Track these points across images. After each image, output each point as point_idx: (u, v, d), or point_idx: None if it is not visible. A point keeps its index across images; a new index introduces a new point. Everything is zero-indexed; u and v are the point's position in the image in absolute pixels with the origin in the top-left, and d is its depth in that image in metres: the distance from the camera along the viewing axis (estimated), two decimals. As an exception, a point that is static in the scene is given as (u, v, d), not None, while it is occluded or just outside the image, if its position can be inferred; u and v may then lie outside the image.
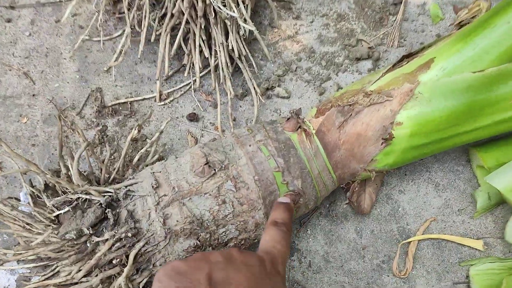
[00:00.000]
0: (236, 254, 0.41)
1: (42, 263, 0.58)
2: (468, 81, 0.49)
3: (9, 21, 0.73)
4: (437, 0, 0.68)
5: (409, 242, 0.59)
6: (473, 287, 0.56)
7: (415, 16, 0.68)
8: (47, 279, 0.57)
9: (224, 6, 0.58)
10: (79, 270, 0.50)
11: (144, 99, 0.67)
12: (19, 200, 0.56)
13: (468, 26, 0.53)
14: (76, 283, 0.52)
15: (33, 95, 0.69)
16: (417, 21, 0.68)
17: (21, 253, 0.56)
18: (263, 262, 0.41)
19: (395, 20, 0.68)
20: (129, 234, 0.48)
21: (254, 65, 0.65)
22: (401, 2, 0.68)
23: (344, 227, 0.60)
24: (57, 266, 0.56)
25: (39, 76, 0.70)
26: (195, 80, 0.64)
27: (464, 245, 0.59)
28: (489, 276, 0.55)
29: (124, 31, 0.70)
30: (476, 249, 0.58)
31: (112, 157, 0.63)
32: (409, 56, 0.56)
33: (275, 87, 0.66)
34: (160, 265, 0.50)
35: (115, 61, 0.67)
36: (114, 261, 0.49)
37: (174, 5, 0.59)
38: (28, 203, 0.52)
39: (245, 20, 0.59)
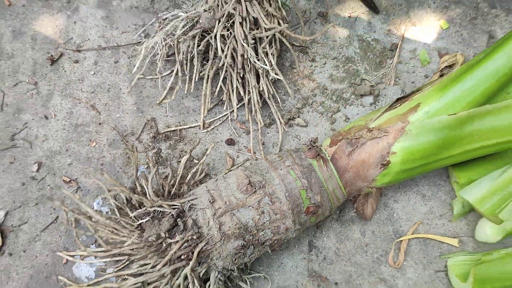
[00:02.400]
0: None
1: (115, 259, 0.75)
2: (444, 122, 0.66)
3: (76, 62, 0.90)
4: (425, 47, 0.85)
5: (402, 240, 0.76)
6: (450, 274, 0.73)
7: (408, 59, 0.85)
8: (119, 270, 0.74)
9: (258, 60, 0.75)
10: (157, 264, 0.67)
11: (190, 127, 0.84)
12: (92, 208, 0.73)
13: (445, 78, 0.70)
14: (147, 273, 0.70)
15: (99, 123, 0.86)
16: (409, 63, 0.85)
17: (105, 251, 0.73)
18: None
19: (391, 63, 0.84)
20: (194, 237, 0.65)
21: (279, 100, 0.82)
22: (397, 48, 0.85)
23: (351, 229, 0.78)
24: (130, 261, 0.74)
25: (103, 108, 0.87)
26: (232, 111, 0.80)
27: (444, 243, 0.76)
28: (462, 266, 0.73)
29: (172, 71, 0.87)
30: (453, 245, 0.76)
31: (165, 174, 0.80)
32: (401, 99, 0.73)
33: (295, 118, 0.83)
34: (216, 259, 0.67)
35: (165, 98, 0.84)
36: (182, 257, 0.66)
37: (220, 59, 0.76)
38: (109, 213, 0.69)
39: (272, 69, 0.76)
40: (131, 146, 0.71)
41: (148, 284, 0.72)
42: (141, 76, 0.87)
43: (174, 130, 0.84)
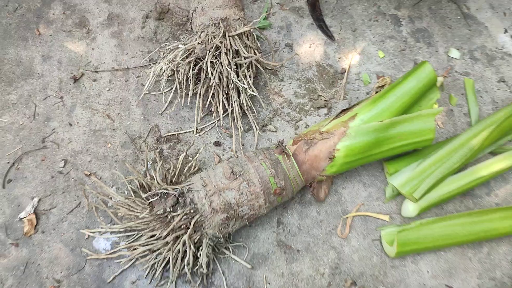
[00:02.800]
0: None
1: (126, 234, 0.97)
2: (374, 127, 0.91)
3: (94, 80, 1.13)
4: (366, 71, 1.11)
5: (347, 217, 1.01)
6: (382, 241, 0.98)
7: (354, 80, 1.10)
8: (130, 243, 0.97)
9: (238, 80, 0.99)
10: (161, 235, 0.90)
11: (186, 132, 1.08)
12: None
13: (376, 95, 0.95)
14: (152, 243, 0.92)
15: (113, 129, 1.09)
16: (355, 83, 1.10)
17: (121, 225, 0.95)
18: None
19: (341, 83, 1.10)
20: (191, 211, 0.88)
21: (255, 111, 1.06)
22: (345, 72, 1.10)
23: (309, 209, 1.02)
24: (139, 235, 0.96)
25: (116, 117, 1.10)
26: (219, 120, 1.04)
27: (379, 218, 1.01)
28: (391, 235, 0.97)
29: (172, 88, 1.10)
30: (385, 220, 1.00)
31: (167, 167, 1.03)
32: (345, 110, 0.98)
33: (267, 125, 1.07)
34: (207, 228, 0.90)
35: (166, 109, 1.08)
36: (182, 226, 0.89)
37: (210, 79, 1.00)
38: (128, 195, 0.92)
39: (250, 87, 1.00)
40: (145, 146, 0.94)
41: (154, 251, 0.94)
42: (147, 92, 1.11)
43: (173, 134, 1.08)
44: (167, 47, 1.03)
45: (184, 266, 0.92)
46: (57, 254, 1.00)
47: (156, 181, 0.92)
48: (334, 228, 1.01)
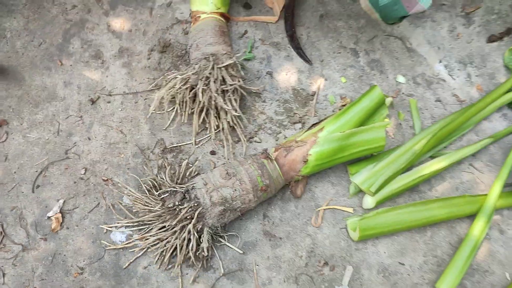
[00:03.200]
0: None
1: (140, 228, 1.19)
2: (338, 136, 1.16)
3: (108, 102, 1.35)
4: (332, 93, 1.37)
5: (319, 210, 1.25)
6: (348, 229, 1.22)
7: (322, 101, 1.36)
8: (143, 234, 1.18)
9: (225, 103, 1.23)
10: (170, 227, 1.12)
11: (186, 144, 1.31)
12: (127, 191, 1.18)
13: (339, 112, 1.21)
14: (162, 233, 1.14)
15: (125, 142, 1.31)
16: (323, 103, 1.36)
17: (134, 219, 1.17)
18: None
19: (312, 103, 1.35)
20: (195, 204, 1.10)
21: (242, 127, 1.30)
22: (315, 94, 1.36)
23: (289, 204, 1.25)
24: (150, 228, 1.18)
25: (128, 132, 1.32)
26: (211, 134, 1.28)
27: (345, 211, 1.25)
28: (354, 223, 1.21)
29: (174, 108, 1.33)
30: (350, 212, 1.25)
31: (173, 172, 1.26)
32: (315, 124, 1.23)
33: (254, 137, 1.31)
34: (208, 219, 1.12)
35: (169, 125, 1.31)
36: (187, 217, 1.11)
37: (204, 103, 1.24)
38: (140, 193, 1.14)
39: (234, 109, 1.24)
40: (154, 156, 1.18)
41: (163, 240, 1.16)
42: (153, 112, 1.34)
43: (176, 146, 1.31)
44: (168, 77, 1.26)
45: (188, 251, 1.14)
46: (80, 246, 1.20)
47: (166, 181, 1.14)
48: (309, 219, 1.24)
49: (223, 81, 1.24)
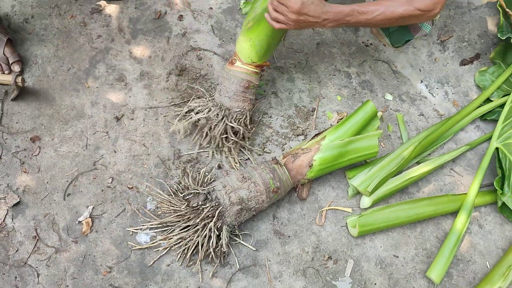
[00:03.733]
0: None
1: (162, 229, 1.33)
2: (338, 144, 1.34)
3: (132, 119, 1.51)
4: (330, 109, 1.56)
5: (323, 211, 1.41)
6: (348, 227, 1.38)
7: (321, 116, 1.55)
8: (167, 236, 1.32)
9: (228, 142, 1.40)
10: (191, 226, 1.26)
11: (203, 151, 1.47)
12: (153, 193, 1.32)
13: (338, 123, 1.39)
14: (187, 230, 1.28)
15: (148, 154, 1.46)
16: (322, 118, 1.55)
17: (158, 221, 1.31)
18: None
19: (313, 117, 1.54)
20: (216, 204, 1.26)
21: (251, 141, 1.48)
22: (315, 110, 1.55)
23: (295, 206, 1.42)
24: (172, 229, 1.32)
25: (150, 145, 1.48)
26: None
27: (345, 211, 1.41)
28: (354, 221, 1.37)
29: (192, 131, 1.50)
30: (349, 212, 1.41)
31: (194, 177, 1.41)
32: (317, 134, 1.41)
33: (264, 148, 1.49)
34: (227, 217, 1.27)
35: (188, 139, 1.47)
36: (209, 216, 1.26)
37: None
38: (169, 195, 1.29)
39: (244, 137, 1.42)
40: (177, 163, 1.34)
41: (185, 239, 1.30)
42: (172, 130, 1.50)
43: (194, 158, 1.47)
44: (186, 108, 1.43)
45: (208, 248, 1.28)
46: (108, 248, 1.33)
47: (190, 184, 1.30)
48: (314, 219, 1.41)
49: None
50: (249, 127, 1.44)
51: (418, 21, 1.23)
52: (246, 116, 1.41)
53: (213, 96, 1.43)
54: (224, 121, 1.38)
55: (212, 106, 1.39)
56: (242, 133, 1.41)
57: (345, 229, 1.40)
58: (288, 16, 1.15)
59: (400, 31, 1.38)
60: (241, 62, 1.36)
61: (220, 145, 1.43)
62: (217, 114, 1.38)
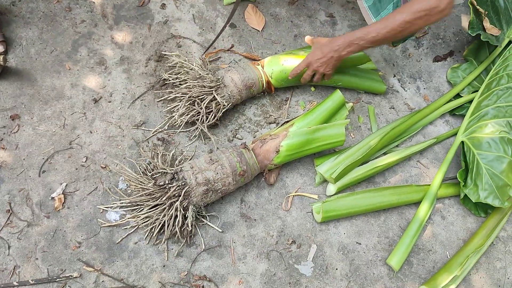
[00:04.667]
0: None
1: (132, 208, 1.37)
2: (305, 131, 1.38)
3: (109, 101, 1.55)
4: (303, 99, 1.60)
5: (289, 196, 1.45)
6: (313, 213, 1.41)
7: (294, 105, 1.59)
8: (135, 215, 1.36)
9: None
10: (159, 205, 1.30)
11: (178, 132, 1.51)
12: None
13: (306, 112, 1.43)
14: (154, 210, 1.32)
15: (123, 136, 1.50)
16: (295, 107, 1.59)
17: (127, 199, 1.35)
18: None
19: (286, 106, 1.58)
20: (182, 184, 1.29)
21: (225, 125, 1.52)
22: (288, 100, 1.59)
23: (263, 191, 1.45)
24: (141, 209, 1.36)
25: (125, 127, 1.51)
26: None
27: (311, 197, 1.45)
28: (319, 208, 1.41)
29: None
30: (315, 198, 1.45)
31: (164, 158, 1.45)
32: (286, 122, 1.45)
33: (236, 135, 1.52)
34: (193, 197, 1.30)
35: (163, 125, 1.52)
36: (175, 194, 1.29)
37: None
38: (139, 174, 1.33)
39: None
40: (151, 144, 1.38)
41: (152, 218, 1.34)
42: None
43: (167, 139, 1.51)
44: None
45: (174, 227, 1.32)
46: (79, 224, 1.37)
47: (158, 164, 1.34)
48: (280, 204, 1.44)
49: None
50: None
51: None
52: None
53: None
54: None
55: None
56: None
57: (310, 215, 1.43)
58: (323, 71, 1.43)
59: None
60: (262, 68, 1.52)
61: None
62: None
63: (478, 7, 1.49)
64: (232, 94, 1.47)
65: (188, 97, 1.45)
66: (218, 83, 1.45)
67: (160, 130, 1.51)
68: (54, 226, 1.36)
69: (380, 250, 1.40)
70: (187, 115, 1.47)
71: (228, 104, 1.46)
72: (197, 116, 1.47)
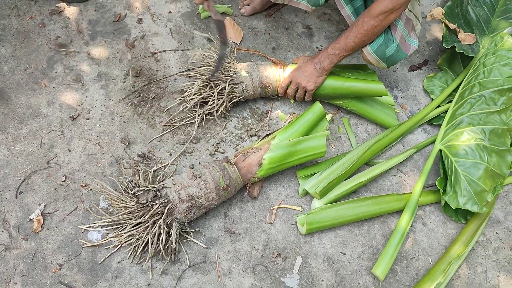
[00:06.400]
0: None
1: (114, 227, 1.34)
2: (287, 143, 1.38)
3: (88, 119, 1.53)
4: (283, 111, 1.61)
5: (273, 209, 1.45)
6: (298, 225, 1.42)
7: (275, 118, 1.60)
8: (118, 234, 1.34)
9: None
10: (142, 223, 1.28)
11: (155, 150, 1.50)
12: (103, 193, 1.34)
13: (287, 124, 1.44)
14: (137, 227, 1.30)
15: (102, 153, 1.48)
16: (275, 119, 1.59)
17: (109, 218, 1.33)
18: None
19: (266, 119, 1.59)
20: (165, 201, 1.28)
21: (206, 140, 1.51)
22: (268, 112, 1.60)
23: (247, 205, 1.45)
24: (123, 227, 1.33)
25: (105, 145, 1.49)
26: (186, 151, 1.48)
27: (295, 209, 1.45)
28: (303, 220, 1.41)
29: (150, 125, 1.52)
30: (299, 210, 1.45)
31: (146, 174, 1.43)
32: (269, 134, 1.45)
33: (218, 148, 1.52)
34: (176, 214, 1.29)
35: (144, 140, 1.50)
36: (158, 212, 1.28)
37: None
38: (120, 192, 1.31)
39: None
40: (131, 161, 1.36)
41: (135, 236, 1.32)
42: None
43: (148, 155, 1.49)
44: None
45: (158, 245, 1.30)
46: (59, 245, 1.34)
47: (140, 182, 1.32)
48: (264, 217, 1.44)
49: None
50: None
51: (391, 20, 1.34)
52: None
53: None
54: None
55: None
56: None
57: (295, 227, 1.43)
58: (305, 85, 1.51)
59: (395, 54, 1.45)
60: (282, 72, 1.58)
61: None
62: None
63: (450, 24, 1.53)
64: (246, 88, 1.52)
65: (205, 79, 1.49)
66: (235, 74, 1.50)
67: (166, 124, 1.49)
68: (33, 248, 1.33)
69: (364, 259, 1.41)
70: (200, 95, 1.50)
71: (239, 97, 1.53)
72: (208, 98, 1.52)
